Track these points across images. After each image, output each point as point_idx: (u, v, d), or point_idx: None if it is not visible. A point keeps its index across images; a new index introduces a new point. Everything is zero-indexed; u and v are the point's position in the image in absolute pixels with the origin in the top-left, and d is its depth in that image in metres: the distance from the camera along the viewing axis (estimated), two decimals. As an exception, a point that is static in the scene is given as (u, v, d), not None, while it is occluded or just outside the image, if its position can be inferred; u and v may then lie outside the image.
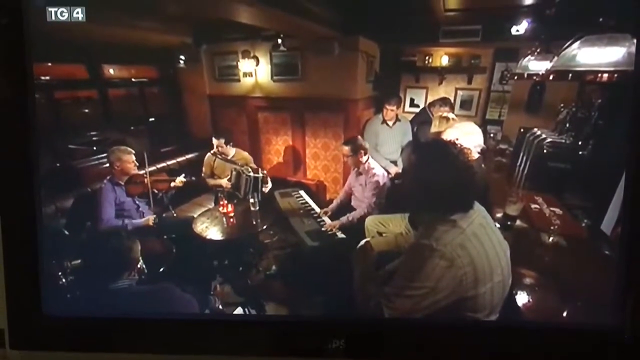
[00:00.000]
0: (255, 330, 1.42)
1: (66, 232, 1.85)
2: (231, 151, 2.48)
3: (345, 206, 2.42)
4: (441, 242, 1.28)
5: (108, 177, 2.08)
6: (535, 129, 1.88)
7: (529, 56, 1.86)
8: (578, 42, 1.57)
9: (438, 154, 1.40)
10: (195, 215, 2.33)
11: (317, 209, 2.48)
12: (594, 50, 1.51)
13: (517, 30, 1.67)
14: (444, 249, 1.27)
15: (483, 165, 1.78)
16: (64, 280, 1.65)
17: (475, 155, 1.59)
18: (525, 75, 1.89)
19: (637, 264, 1.25)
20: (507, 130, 2.12)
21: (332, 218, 2.36)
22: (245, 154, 2.52)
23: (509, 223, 1.69)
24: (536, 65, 1.83)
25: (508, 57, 2.07)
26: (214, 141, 2.42)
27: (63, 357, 1.42)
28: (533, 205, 1.74)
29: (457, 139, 1.46)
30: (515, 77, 1.99)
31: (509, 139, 2.07)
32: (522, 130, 1.96)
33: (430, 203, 1.36)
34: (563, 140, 1.77)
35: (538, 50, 1.80)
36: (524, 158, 1.89)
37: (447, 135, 1.70)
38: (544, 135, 1.82)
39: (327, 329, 1.37)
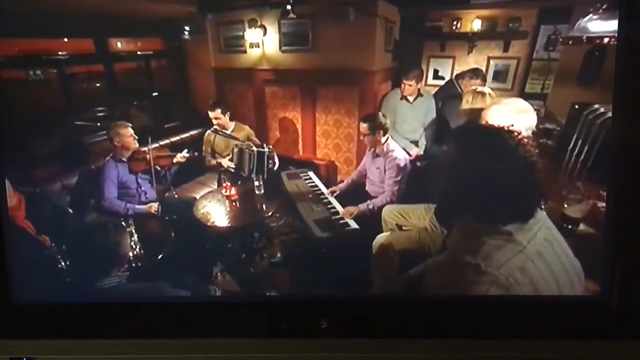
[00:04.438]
0: (242, 311, 1.32)
1: (70, 210, 1.73)
2: (230, 125, 2.18)
3: (357, 188, 2.07)
4: (492, 263, 0.85)
5: (110, 155, 1.90)
6: (597, 106, 1.35)
7: (590, 15, 1.35)
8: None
9: (489, 146, 0.92)
10: (197, 197, 2.09)
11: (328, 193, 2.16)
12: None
13: (575, -18, 1.21)
14: (497, 272, 0.85)
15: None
16: (45, 268, 1.48)
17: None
18: (584, 39, 1.36)
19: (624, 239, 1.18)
20: (553, 105, 1.63)
21: (340, 199, 2.04)
22: (246, 127, 2.22)
23: (569, 227, 1.21)
24: (602, 25, 1.31)
25: (557, 17, 1.60)
26: (211, 114, 2.12)
27: (31, 344, 1.31)
28: (599, 204, 1.24)
29: (512, 125, 0.96)
30: (570, 42, 1.46)
31: (554, 116, 1.57)
32: (576, 106, 1.43)
33: (476, 209, 0.88)
34: (642, 119, 1.26)
35: (604, 6, 1.28)
36: (580, 142, 1.38)
37: (495, 116, 1.22)
38: (610, 113, 1.30)
39: (314, 310, 1.27)
